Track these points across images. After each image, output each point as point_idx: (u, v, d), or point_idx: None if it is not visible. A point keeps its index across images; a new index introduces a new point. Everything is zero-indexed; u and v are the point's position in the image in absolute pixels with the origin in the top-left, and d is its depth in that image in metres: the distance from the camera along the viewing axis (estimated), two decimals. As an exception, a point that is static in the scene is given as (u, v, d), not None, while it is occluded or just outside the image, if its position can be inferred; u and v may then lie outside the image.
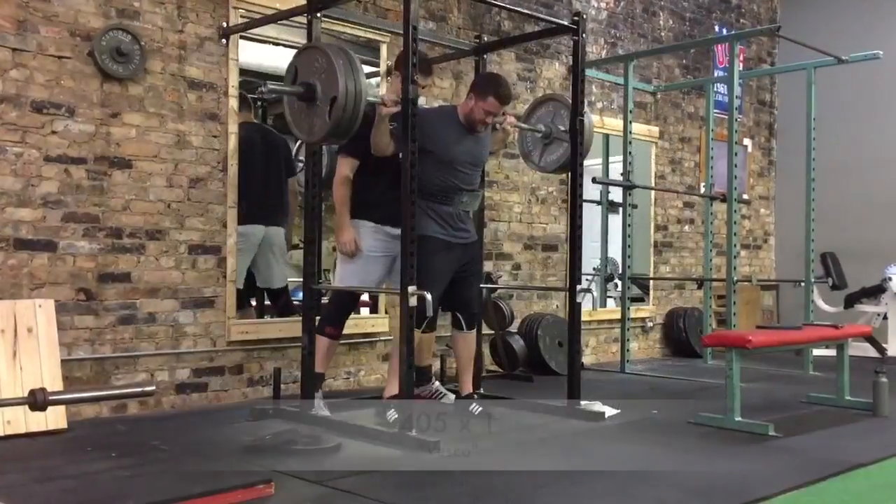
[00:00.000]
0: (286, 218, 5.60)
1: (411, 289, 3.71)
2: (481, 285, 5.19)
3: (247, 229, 5.09)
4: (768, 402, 5.05)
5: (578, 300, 4.58)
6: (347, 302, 4.57)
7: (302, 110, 3.80)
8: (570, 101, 4.84)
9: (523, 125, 5.05)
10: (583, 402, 4.55)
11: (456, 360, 4.64)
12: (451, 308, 4.53)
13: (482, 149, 4.48)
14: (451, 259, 4.28)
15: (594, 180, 6.41)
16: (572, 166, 4.64)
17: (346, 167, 4.40)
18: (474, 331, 4.63)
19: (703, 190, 7.76)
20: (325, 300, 4.76)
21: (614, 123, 7.17)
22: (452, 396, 4.71)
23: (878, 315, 7.56)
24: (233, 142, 4.81)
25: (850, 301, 7.68)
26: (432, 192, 4.18)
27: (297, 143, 5.64)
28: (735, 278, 6.03)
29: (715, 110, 7.45)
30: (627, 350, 6.60)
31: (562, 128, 4.91)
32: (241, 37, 4.90)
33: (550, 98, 5.21)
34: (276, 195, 5.48)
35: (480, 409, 4.45)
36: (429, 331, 4.78)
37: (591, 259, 7.38)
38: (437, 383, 4.92)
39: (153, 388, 3.05)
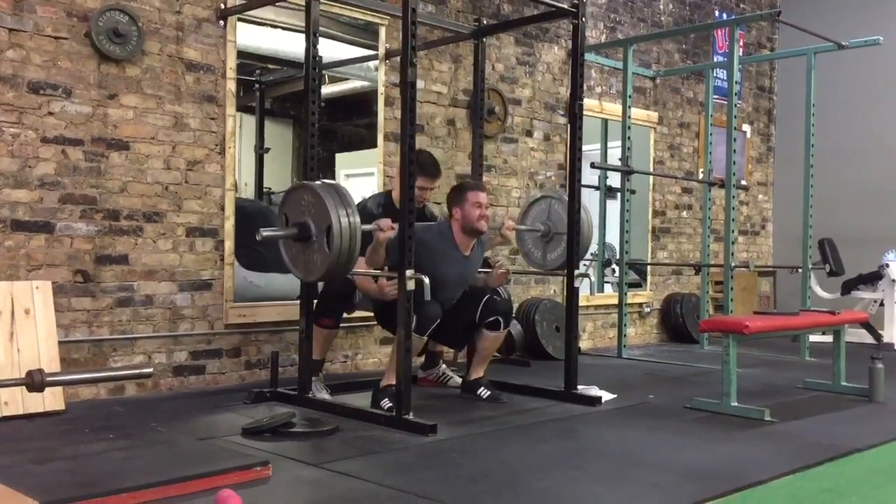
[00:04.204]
0: None
1: (409, 273, 3.71)
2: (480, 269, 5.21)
3: (258, 278, 5.16)
4: (764, 388, 5.06)
5: (576, 285, 4.59)
6: (341, 292, 4.51)
7: (299, 252, 3.79)
8: (564, 197, 4.83)
9: (522, 227, 5.19)
10: (580, 387, 4.57)
11: (476, 351, 4.59)
12: (484, 317, 4.44)
13: (473, 271, 4.54)
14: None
15: (592, 165, 6.40)
16: (571, 151, 4.63)
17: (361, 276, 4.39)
18: (507, 330, 4.63)
19: (701, 176, 7.75)
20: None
21: (613, 108, 7.15)
22: (459, 380, 4.73)
23: (875, 301, 7.58)
24: (230, 124, 4.79)
25: (847, 287, 7.69)
26: None
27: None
28: (732, 264, 6.03)
29: (714, 96, 7.43)
30: (624, 335, 6.61)
31: (560, 227, 4.93)
32: (239, 19, 4.88)
33: (544, 196, 5.29)
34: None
35: (489, 392, 4.46)
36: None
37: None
38: (444, 366, 4.95)
39: (151, 370, 3.06)
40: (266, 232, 3.75)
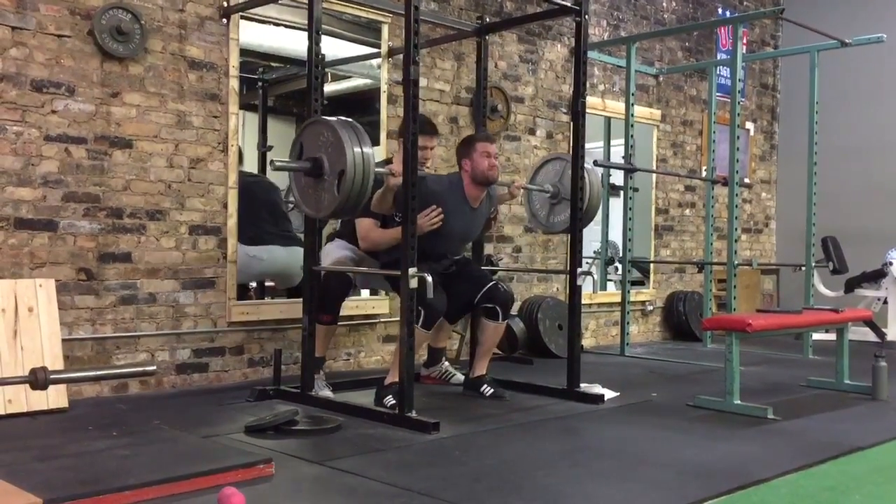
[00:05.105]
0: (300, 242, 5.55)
1: (411, 271, 3.71)
2: (483, 267, 5.21)
3: (260, 251, 5.11)
4: (767, 386, 5.06)
5: (579, 283, 4.59)
6: (336, 288, 4.50)
7: (309, 186, 3.77)
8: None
9: (531, 186, 5.14)
10: (582, 385, 4.57)
11: (477, 345, 4.61)
12: (482, 302, 4.49)
13: (478, 226, 4.60)
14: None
15: (595, 163, 6.39)
16: (574, 149, 4.63)
17: (368, 224, 4.43)
18: (506, 322, 4.63)
19: (704, 173, 7.74)
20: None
21: (616, 106, 7.14)
22: (462, 377, 4.73)
23: (879, 299, 7.57)
24: (233, 122, 4.80)
25: (851, 285, 7.68)
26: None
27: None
28: (735, 262, 6.03)
29: (717, 93, 7.41)
30: (627, 333, 6.61)
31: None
32: (242, 16, 4.87)
33: (557, 157, 5.23)
34: (279, 225, 5.45)
35: (492, 390, 4.47)
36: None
37: (591, 242, 7.38)
38: (447, 364, 4.95)
39: (154, 368, 3.07)
40: (279, 162, 3.76)
